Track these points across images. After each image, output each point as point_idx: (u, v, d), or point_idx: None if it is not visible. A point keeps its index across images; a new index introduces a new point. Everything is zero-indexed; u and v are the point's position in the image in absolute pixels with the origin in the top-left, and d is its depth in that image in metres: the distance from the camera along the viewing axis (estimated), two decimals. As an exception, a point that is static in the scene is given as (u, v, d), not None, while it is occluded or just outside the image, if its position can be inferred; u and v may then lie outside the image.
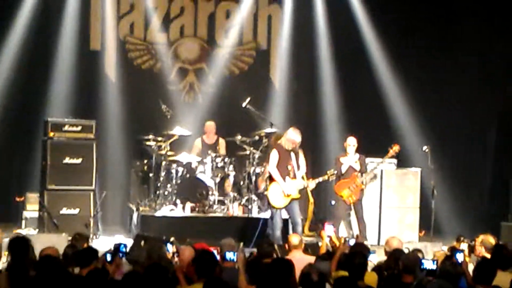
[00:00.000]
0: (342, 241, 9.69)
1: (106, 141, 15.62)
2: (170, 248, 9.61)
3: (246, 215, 14.32)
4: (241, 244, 11.64)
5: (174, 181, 14.49)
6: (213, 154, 14.61)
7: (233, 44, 16.78)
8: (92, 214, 13.88)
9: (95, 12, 16.17)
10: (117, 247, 8.45)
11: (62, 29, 15.79)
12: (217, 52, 16.72)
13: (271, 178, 13.09)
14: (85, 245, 9.61)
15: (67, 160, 14.00)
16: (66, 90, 15.72)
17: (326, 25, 16.56)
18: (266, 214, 13.70)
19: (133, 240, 12.00)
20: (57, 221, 13.63)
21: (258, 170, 14.58)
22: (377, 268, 9.13)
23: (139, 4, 16.45)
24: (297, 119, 15.59)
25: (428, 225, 14.39)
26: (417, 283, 7.85)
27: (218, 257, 8.63)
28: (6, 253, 8.88)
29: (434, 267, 7.93)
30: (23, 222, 14.20)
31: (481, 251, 10.00)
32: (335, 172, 13.61)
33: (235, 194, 14.58)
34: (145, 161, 15.17)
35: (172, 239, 10.75)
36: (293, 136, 12.99)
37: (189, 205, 14.30)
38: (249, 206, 14.41)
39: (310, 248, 11.32)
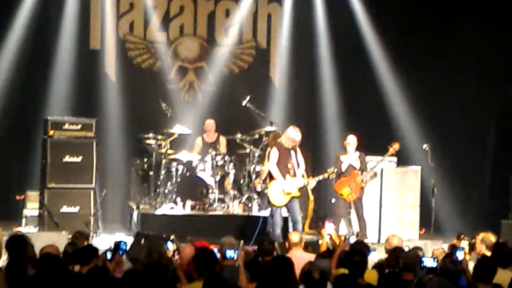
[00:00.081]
0: (342, 239, 9.70)
1: (106, 140, 15.62)
2: (170, 246, 9.62)
3: (246, 213, 14.31)
4: (241, 242, 11.66)
5: (174, 180, 14.48)
6: (213, 153, 14.61)
7: (233, 42, 16.78)
8: (92, 213, 13.90)
9: (94, 11, 16.17)
10: (117, 244, 8.45)
11: (61, 28, 15.78)
12: (217, 50, 16.72)
13: (271, 176, 13.10)
14: (85, 243, 9.61)
15: (67, 158, 14.01)
16: (66, 89, 15.72)
17: (325, 23, 16.56)
18: (266, 212, 13.70)
19: (133, 238, 12.00)
20: (57, 220, 13.65)
21: (258, 168, 14.59)
22: (378, 266, 9.13)
23: (139, 3, 16.44)
24: (297, 118, 15.60)
25: (428, 223, 14.40)
26: (417, 281, 7.84)
27: (218, 255, 8.64)
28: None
29: (434, 265, 7.93)
30: (23, 220, 14.19)
31: (482, 249, 9.99)
32: (335, 170, 13.62)
33: (235, 192, 14.58)
34: (145, 160, 15.17)
35: (172, 237, 10.76)
36: (293, 135, 13.00)
37: (189, 203, 14.30)
38: (249, 204, 14.41)
39: (310, 246, 11.34)
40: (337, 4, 16.39)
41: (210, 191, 14.37)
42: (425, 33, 16.46)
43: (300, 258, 9.02)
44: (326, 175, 13.47)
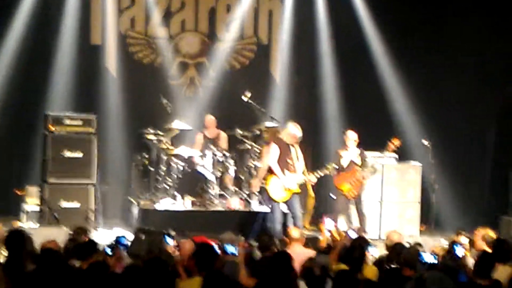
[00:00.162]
0: (343, 234, 9.71)
1: (107, 135, 15.61)
2: (171, 242, 9.62)
3: (246, 209, 14.32)
4: (242, 237, 11.64)
5: (174, 175, 14.48)
6: (214, 148, 14.62)
7: (234, 38, 16.76)
8: (92, 208, 13.90)
9: (95, 7, 16.15)
10: (118, 239, 8.46)
11: (62, 23, 15.74)
12: (218, 46, 16.70)
13: (271, 172, 13.10)
14: (86, 239, 9.62)
15: (67, 154, 14.02)
16: (66, 84, 15.69)
17: (327, 20, 16.53)
18: (266, 208, 13.70)
19: (133, 234, 12.00)
20: (57, 215, 13.66)
21: (259, 164, 14.58)
22: (378, 262, 9.15)
23: (140, -2, 16.46)
24: (298, 114, 15.59)
25: (429, 219, 14.40)
26: (417, 277, 7.85)
27: (218, 251, 8.64)
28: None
29: (434, 261, 7.94)
30: (24, 215, 14.19)
31: (481, 245, 10.01)
32: (335, 166, 13.61)
33: (236, 188, 14.59)
34: (146, 155, 15.16)
35: (172, 232, 10.75)
36: (294, 131, 13.05)
37: (189, 199, 14.31)
38: (249, 200, 14.42)
39: (310, 242, 11.34)
40: (338, 0, 16.38)
41: (211, 186, 14.37)
42: (425, 33, 16.44)
43: (300, 253, 9.04)
44: (326, 171, 13.47)
